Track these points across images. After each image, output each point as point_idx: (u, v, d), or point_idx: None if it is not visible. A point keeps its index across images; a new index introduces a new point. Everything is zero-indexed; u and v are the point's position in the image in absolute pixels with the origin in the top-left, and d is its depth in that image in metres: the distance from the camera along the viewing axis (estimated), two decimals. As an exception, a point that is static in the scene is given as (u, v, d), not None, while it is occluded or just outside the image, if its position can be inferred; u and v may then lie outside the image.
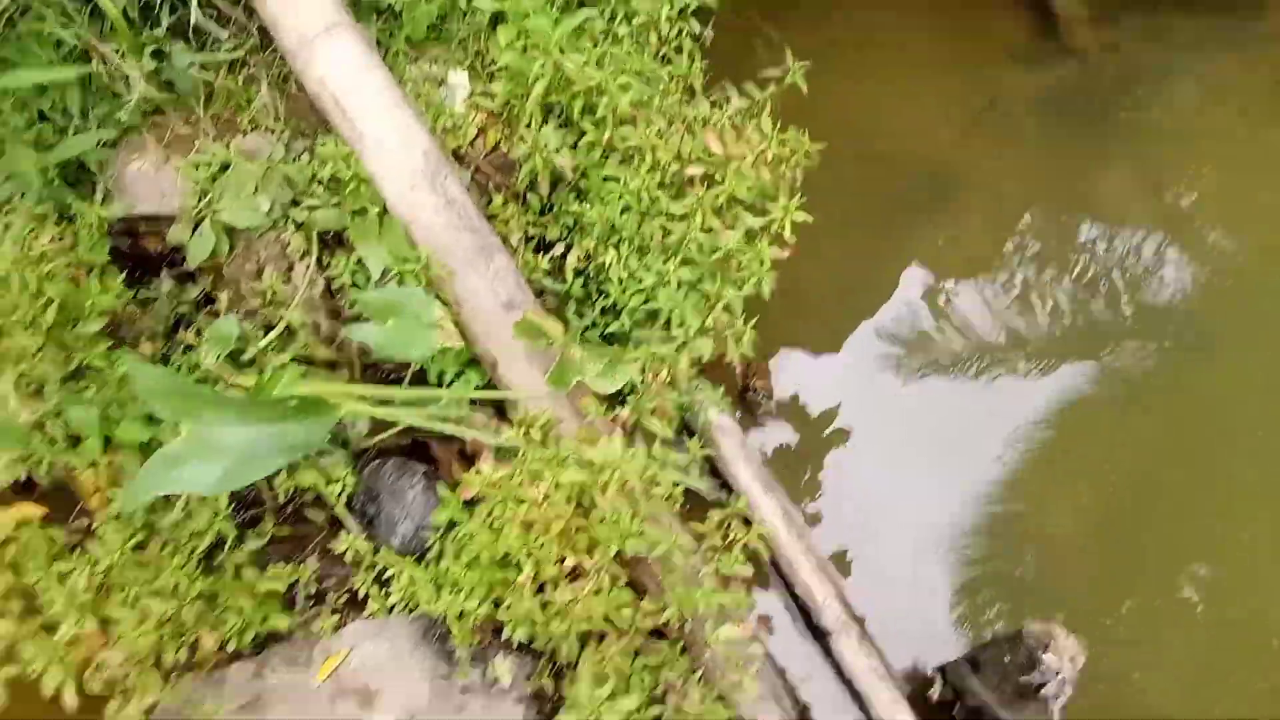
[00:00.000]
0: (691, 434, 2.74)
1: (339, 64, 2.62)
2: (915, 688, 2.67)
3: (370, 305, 2.33)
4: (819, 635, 2.65)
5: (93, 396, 2.11)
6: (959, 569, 2.98)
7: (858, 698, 2.54)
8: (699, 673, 2.18)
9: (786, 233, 2.77)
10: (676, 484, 2.21)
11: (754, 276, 2.77)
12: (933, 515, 3.05)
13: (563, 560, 2.09)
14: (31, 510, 2.13)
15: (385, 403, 2.37)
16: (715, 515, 2.26)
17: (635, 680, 2.10)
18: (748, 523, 2.29)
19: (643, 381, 2.41)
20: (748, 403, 3.14)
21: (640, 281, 2.77)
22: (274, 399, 2.03)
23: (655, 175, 2.83)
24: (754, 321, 2.75)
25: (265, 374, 2.22)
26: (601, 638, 2.12)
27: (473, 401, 2.58)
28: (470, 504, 2.23)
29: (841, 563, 2.93)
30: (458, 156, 3.01)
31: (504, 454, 2.36)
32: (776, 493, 2.76)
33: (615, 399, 2.52)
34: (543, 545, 2.07)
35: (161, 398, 1.92)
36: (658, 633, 2.25)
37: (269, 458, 2.01)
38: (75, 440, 2.14)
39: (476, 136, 3.06)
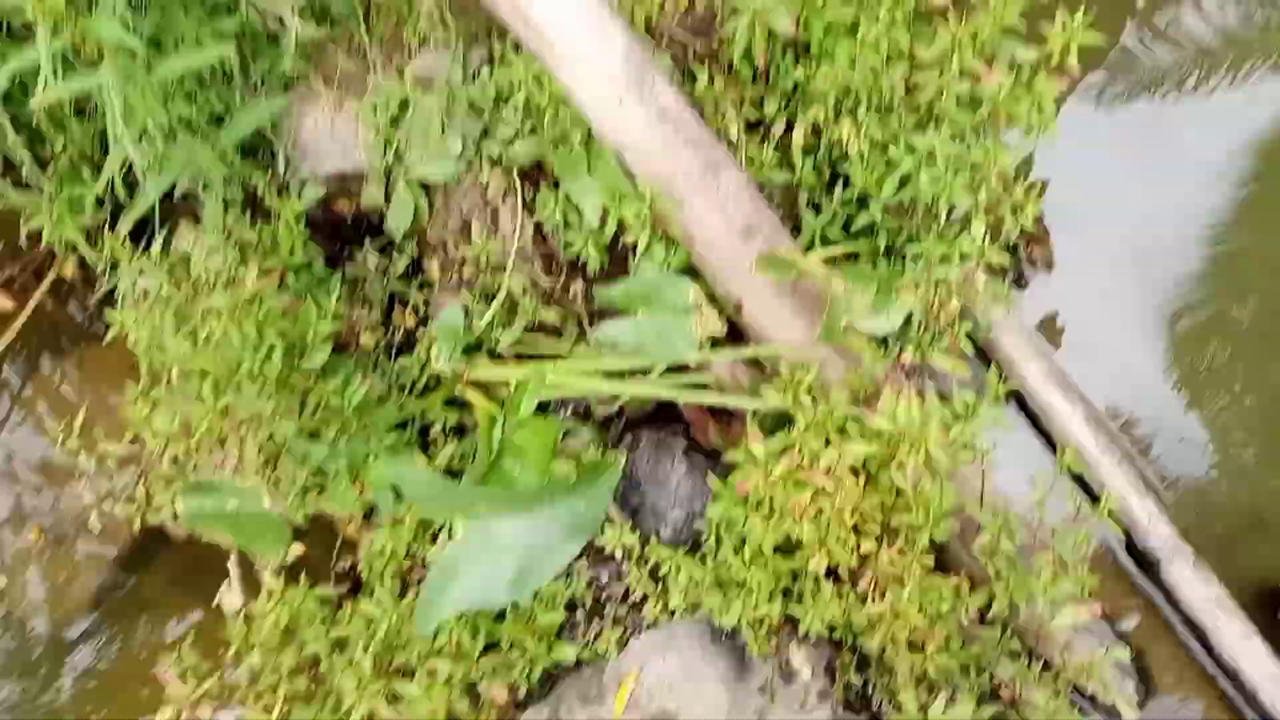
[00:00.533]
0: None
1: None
2: (1253, 601, 2.31)
3: (614, 299, 2.05)
4: (1143, 563, 2.33)
5: (334, 439, 1.99)
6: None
7: (1197, 631, 2.24)
8: (1039, 663, 1.95)
9: (1072, 60, 2.19)
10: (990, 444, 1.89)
11: (1033, 128, 2.25)
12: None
13: (859, 548, 1.87)
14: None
15: (620, 375, 2.14)
16: (1041, 478, 1.92)
17: (961, 678, 1.90)
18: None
19: (926, 310, 2.04)
20: (1018, 275, 2.67)
21: (888, 157, 2.31)
22: (550, 483, 1.79)
23: (897, 12, 2.28)
24: (1039, 187, 2.27)
25: (511, 390, 2.01)
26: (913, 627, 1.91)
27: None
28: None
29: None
30: (648, 29, 2.56)
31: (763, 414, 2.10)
32: (1075, 393, 2.37)
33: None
34: (835, 534, 1.85)
35: (431, 501, 1.77)
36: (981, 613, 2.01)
37: (560, 545, 1.82)
38: (323, 486, 2.04)
39: (665, -2, 2.58)
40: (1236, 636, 2.16)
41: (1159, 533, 2.24)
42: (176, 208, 2.51)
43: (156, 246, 2.06)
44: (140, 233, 2.37)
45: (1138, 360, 2.61)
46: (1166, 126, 2.83)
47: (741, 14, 2.26)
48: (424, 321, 2.51)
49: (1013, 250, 2.58)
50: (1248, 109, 2.81)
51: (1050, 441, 2.41)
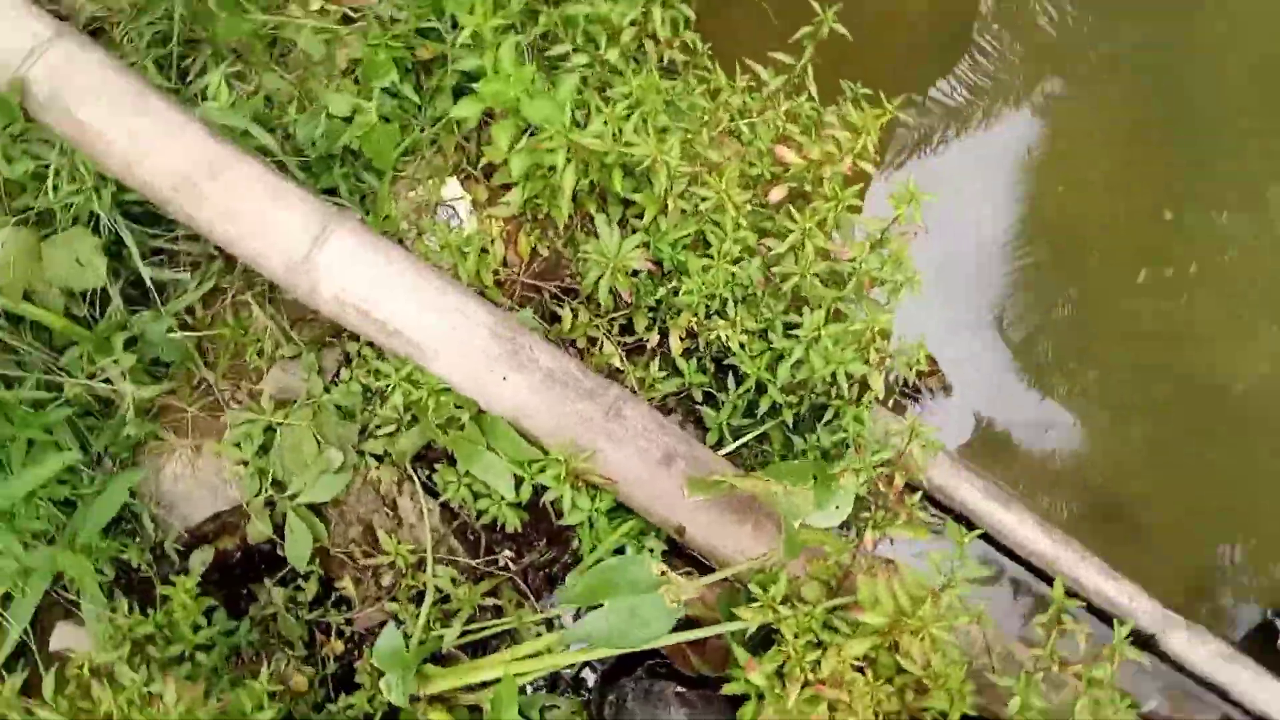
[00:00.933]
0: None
1: (351, 271, 2.13)
2: (1251, 639, 2.38)
3: (575, 596, 1.95)
4: (1140, 642, 2.35)
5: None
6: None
7: (1214, 688, 2.27)
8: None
9: (919, 222, 2.30)
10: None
11: (898, 285, 2.34)
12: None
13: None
14: None
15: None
16: (1041, 617, 1.91)
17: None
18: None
19: (872, 491, 2.03)
20: (916, 401, 2.76)
21: (771, 345, 2.35)
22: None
23: (740, 218, 2.36)
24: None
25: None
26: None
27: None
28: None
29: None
30: (498, 284, 2.53)
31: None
32: (1017, 503, 2.42)
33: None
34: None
35: None
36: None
37: None
38: None
39: (506, 250, 2.57)
40: (1250, 684, 2.20)
41: (1143, 609, 2.28)
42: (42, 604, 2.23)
43: (49, 687, 1.78)
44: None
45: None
46: (946, 176, 3.11)
47: (597, 266, 2.27)
48: (353, 642, 2.30)
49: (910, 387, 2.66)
50: (1002, 141, 3.16)
51: (1003, 549, 2.44)
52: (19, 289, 2.16)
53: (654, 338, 2.51)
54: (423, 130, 2.56)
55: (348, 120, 2.44)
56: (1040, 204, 3.06)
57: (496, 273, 2.52)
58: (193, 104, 2.30)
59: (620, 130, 2.35)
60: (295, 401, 2.34)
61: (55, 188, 2.22)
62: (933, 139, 3.21)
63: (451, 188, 2.58)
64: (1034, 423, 2.80)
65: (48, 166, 2.23)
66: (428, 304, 2.14)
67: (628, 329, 2.52)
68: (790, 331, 2.33)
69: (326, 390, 2.34)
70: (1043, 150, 3.16)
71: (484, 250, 2.51)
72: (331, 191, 2.47)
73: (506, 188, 2.57)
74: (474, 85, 2.36)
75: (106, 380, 2.26)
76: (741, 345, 2.37)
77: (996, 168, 3.12)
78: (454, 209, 2.58)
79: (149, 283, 2.30)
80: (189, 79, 2.39)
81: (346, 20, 2.59)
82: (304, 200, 2.17)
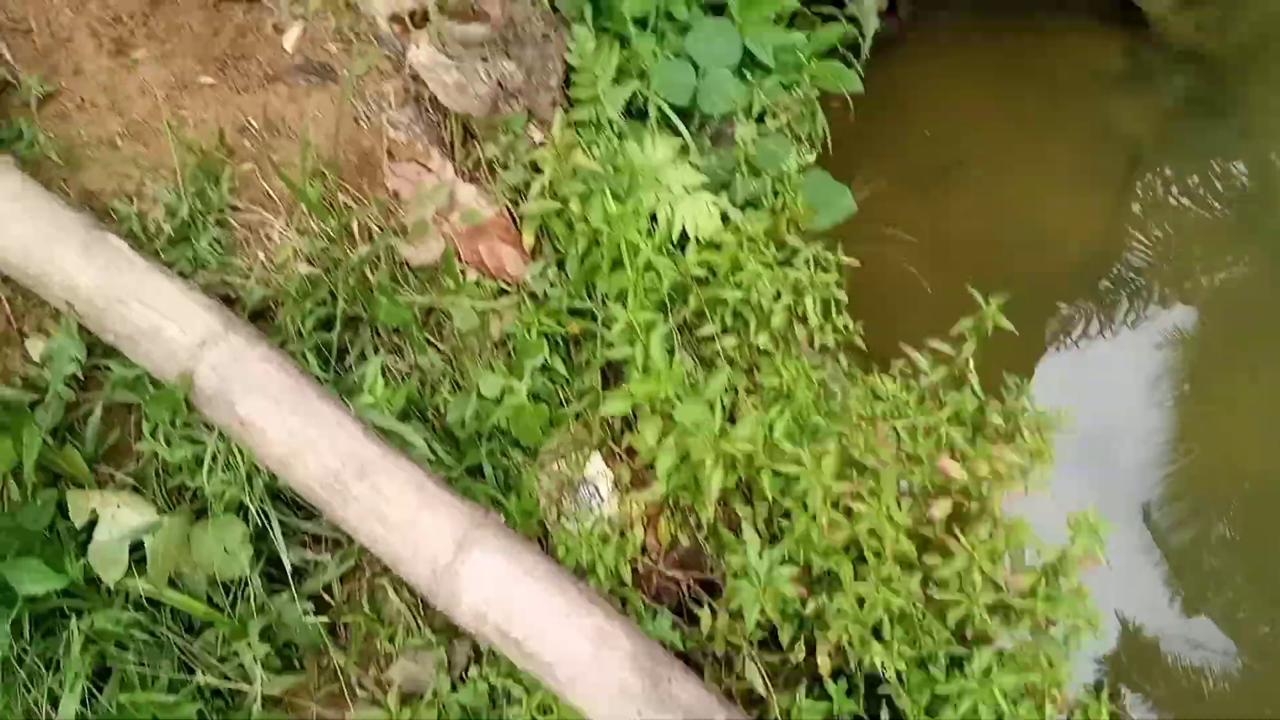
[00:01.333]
0: None
1: (491, 584, 2.05)
2: None
3: None
4: None
5: None
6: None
7: None
8: None
9: (1099, 554, 2.09)
10: None
11: (1079, 627, 2.11)
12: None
13: None
14: None
15: None
16: None
17: None
18: None
19: None
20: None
21: (934, 684, 2.13)
22: None
23: (898, 532, 2.19)
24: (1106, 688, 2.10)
25: None
26: None
27: None
28: None
29: None
30: (635, 573, 2.42)
31: None
32: None
33: None
34: None
35: None
36: None
37: None
38: None
39: (646, 535, 2.46)
40: None
41: None
42: None
43: None
44: None
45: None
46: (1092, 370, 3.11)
47: (744, 589, 2.13)
48: None
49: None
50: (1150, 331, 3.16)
51: None
52: (165, 576, 2.17)
53: (800, 652, 2.33)
54: (567, 403, 2.52)
55: (498, 400, 2.41)
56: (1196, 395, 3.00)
57: (634, 560, 2.41)
58: (349, 391, 2.31)
59: (771, 429, 2.24)
60: (421, 696, 2.25)
61: (210, 472, 2.24)
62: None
63: (595, 464, 2.52)
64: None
65: (204, 450, 2.26)
66: (567, 624, 2.03)
67: (771, 639, 2.35)
68: (954, 668, 2.11)
69: (454, 688, 2.24)
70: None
71: (622, 534, 2.41)
72: (476, 469, 2.44)
73: (650, 467, 2.49)
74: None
75: (239, 664, 2.23)
76: (899, 674, 2.17)
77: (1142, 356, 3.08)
78: (596, 487, 2.50)
79: (287, 564, 2.28)
80: (348, 362, 2.41)
81: (501, 293, 2.60)
82: (450, 504, 2.12)
